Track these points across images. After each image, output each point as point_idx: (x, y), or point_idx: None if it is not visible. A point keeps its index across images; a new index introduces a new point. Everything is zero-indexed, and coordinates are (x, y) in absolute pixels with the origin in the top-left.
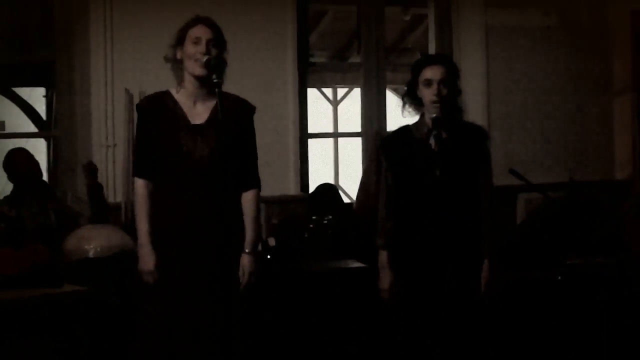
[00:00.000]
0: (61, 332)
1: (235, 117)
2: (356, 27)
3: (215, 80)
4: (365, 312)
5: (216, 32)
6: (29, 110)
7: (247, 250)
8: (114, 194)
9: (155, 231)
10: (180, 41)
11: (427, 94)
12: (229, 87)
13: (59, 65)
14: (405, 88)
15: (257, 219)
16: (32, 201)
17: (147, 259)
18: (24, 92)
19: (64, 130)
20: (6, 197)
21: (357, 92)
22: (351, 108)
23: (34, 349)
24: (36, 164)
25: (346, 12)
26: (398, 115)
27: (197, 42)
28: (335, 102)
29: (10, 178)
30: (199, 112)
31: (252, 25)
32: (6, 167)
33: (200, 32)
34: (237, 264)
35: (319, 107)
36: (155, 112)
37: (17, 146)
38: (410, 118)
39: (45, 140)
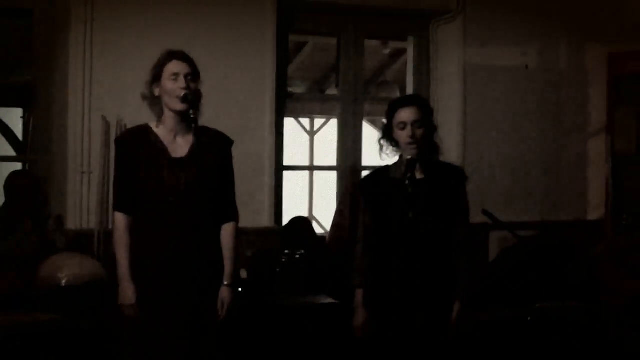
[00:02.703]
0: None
1: (215, 150)
2: (335, 59)
3: (192, 116)
4: (336, 349)
5: (192, 66)
6: (6, 131)
7: (226, 283)
8: (88, 221)
9: (136, 264)
10: (157, 78)
11: (402, 137)
12: (207, 117)
13: (38, 89)
14: (382, 131)
15: (236, 251)
16: (18, 227)
17: (128, 293)
18: (0, 112)
19: (40, 154)
20: None
21: (334, 122)
22: (328, 138)
23: None
24: (37, 190)
25: (326, 44)
26: (374, 148)
27: (175, 78)
28: (312, 132)
29: (7, 199)
30: (179, 146)
31: (231, 54)
32: (6, 189)
33: (177, 67)
34: (216, 296)
35: (295, 137)
36: (136, 146)
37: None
38: (389, 160)
39: (22, 163)
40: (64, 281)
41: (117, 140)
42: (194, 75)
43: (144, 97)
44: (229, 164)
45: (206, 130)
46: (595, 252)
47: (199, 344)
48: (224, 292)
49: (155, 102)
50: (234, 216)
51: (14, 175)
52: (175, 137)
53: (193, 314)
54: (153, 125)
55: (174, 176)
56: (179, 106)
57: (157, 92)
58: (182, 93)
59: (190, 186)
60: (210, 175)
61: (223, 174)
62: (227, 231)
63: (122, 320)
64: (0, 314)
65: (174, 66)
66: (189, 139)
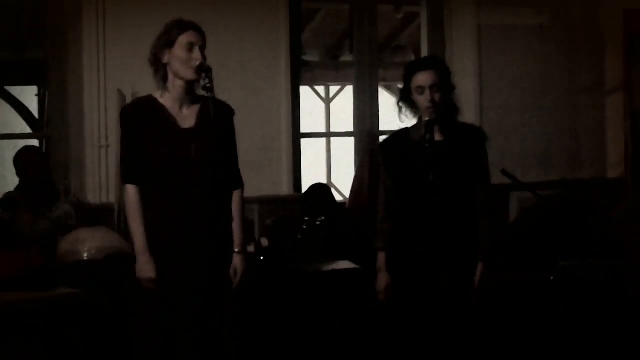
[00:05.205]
0: (54, 335)
1: (220, 119)
2: (348, 25)
3: (208, 85)
4: (359, 314)
5: (204, 39)
6: (21, 109)
7: (237, 250)
8: (107, 195)
9: (149, 236)
10: (169, 45)
11: (421, 100)
12: (223, 88)
13: (52, 65)
14: (399, 94)
15: (243, 218)
16: (33, 203)
17: (147, 267)
18: (15, 90)
19: (57, 130)
20: (2, 198)
21: (349, 90)
22: (344, 105)
23: (27, 352)
24: (46, 164)
25: (338, 11)
26: (391, 113)
27: (190, 48)
28: (327, 100)
29: (18, 175)
30: (186, 116)
31: (244, 24)
32: (16, 164)
33: (192, 38)
34: (229, 264)
35: (311, 105)
36: (142, 117)
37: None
38: (409, 122)
39: (38, 139)
40: (85, 255)
41: (122, 112)
42: (204, 47)
43: (151, 63)
44: (232, 132)
45: (210, 100)
46: (615, 211)
47: (217, 314)
48: (236, 260)
49: (160, 68)
50: (239, 184)
51: (21, 151)
52: (181, 107)
53: (209, 283)
54: (158, 96)
55: (184, 146)
56: (192, 75)
57: (165, 58)
58: (197, 63)
59: (200, 156)
60: (218, 144)
61: (229, 143)
62: (234, 199)
63: (140, 293)
64: (21, 290)
65: (190, 36)
66: (194, 109)
